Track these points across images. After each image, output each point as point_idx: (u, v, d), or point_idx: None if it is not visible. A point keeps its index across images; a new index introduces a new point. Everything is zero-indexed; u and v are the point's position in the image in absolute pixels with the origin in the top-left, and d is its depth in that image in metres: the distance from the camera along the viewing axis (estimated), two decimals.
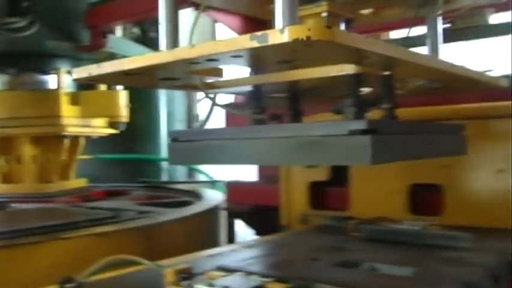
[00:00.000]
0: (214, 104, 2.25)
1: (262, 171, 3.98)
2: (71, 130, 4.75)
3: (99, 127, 5.04)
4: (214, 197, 4.42)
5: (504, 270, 2.02)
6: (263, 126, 1.80)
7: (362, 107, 1.77)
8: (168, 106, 6.39)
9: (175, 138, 1.95)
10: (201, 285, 1.58)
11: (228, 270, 1.75)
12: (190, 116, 7.39)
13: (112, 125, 5.06)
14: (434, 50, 2.27)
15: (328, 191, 3.31)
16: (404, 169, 2.85)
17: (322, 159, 1.60)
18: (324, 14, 1.93)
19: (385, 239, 2.43)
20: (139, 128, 5.98)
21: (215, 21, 5.86)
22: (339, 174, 3.17)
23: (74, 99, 4.78)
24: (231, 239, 4.19)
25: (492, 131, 2.71)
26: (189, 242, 3.29)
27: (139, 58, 1.69)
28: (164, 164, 6.34)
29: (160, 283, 1.78)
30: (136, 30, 6.21)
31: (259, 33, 1.36)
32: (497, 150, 2.67)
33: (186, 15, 1.98)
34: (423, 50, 2.22)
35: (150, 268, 1.94)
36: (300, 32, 1.29)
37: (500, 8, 3.48)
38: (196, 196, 4.61)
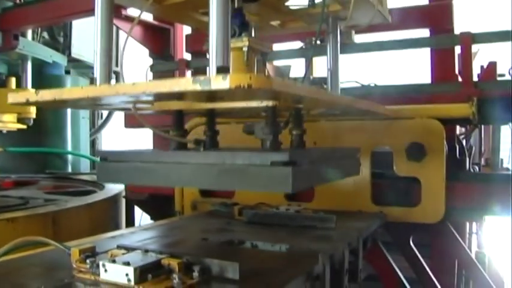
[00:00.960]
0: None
1: None
2: None
3: (9, 122, 4.85)
4: (115, 186, 4.38)
5: (361, 244, 2.18)
6: (190, 152, 1.79)
7: (277, 135, 1.83)
8: None
9: (104, 157, 1.92)
10: (104, 261, 1.59)
11: (128, 249, 1.77)
12: (94, 114, 7.23)
13: (21, 120, 4.90)
14: (334, 58, 2.43)
15: None
16: None
17: (245, 186, 1.61)
18: (245, 49, 2.02)
19: (265, 221, 2.53)
20: (46, 123, 5.80)
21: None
22: None
23: None
24: (130, 224, 4.16)
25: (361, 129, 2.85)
26: (93, 226, 3.26)
27: (79, 90, 1.63)
28: (69, 157, 6.18)
29: (66, 262, 1.78)
30: (45, 35, 6.00)
31: (201, 77, 1.36)
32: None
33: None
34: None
35: (57, 249, 1.92)
36: (241, 79, 1.30)
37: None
38: (99, 186, 4.54)
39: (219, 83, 1.32)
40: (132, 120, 3.68)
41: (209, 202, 3.08)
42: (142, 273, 1.53)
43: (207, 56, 1.57)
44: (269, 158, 1.57)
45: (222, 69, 1.53)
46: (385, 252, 2.83)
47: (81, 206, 3.32)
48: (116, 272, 1.56)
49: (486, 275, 2.86)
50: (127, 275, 1.53)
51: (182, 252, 1.71)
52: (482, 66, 3.35)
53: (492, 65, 3.14)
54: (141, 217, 4.21)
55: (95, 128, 7.27)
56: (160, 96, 1.64)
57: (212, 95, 1.63)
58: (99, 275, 1.60)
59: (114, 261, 1.59)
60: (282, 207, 2.63)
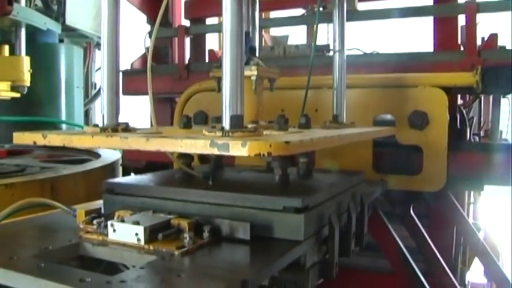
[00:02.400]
0: None
1: None
2: None
3: (2, 90, 4.75)
4: (112, 155, 4.33)
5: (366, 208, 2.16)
6: (198, 191, 1.76)
7: (286, 170, 1.87)
8: (67, 73, 6.14)
9: (111, 189, 1.90)
10: (112, 221, 1.56)
11: (135, 210, 1.74)
12: (88, 83, 7.15)
13: (15, 88, 4.81)
14: (341, 25, 2.47)
15: None
16: None
17: (256, 231, 1.59)
18: (253, 78, 2.02)
19: None
20: (40, 93, 5.70)
21: None
22: None
23: None
24: None
25: None
26: (90, 193, 3.21)
27: (90, 139, 1.63)
28: (63, 126, 6.11)
29: (71, 224, 1.75)
30: (38, 2, 5.87)
31: (219, 141, 1.35)
32: None
33: None
34: None
35: (60, 212, 1.89)
36: (261, 147, 1.31)
37: None
38: (95, 155, 4.50)
39: (238, 150, 1.33)
40: (130, 87, 3.63)
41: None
42: (152, 232, 1.51)
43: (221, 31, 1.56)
44: (281, 203, 1.59)
45: (236, 119, 1.54)
46: (385, 220, 2.83)
47: (78, 172, 3.28)
48: (125, 231, 1.54)
49: (485, 243, 2.87)
50: (137, 234, 1.51)
51: (190, 211, 1.68)
52: (483, 38, 3.31)
53: (493, 36, 3.10)
54: None
55: (89, 98, 7.19)
56: None
57: None
58: (107, 235, 1.58)
59: (123, 221, 1.57)
60: None
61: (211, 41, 4.34)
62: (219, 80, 1.75)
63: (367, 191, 2.28)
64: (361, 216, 2.06)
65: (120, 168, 4.03)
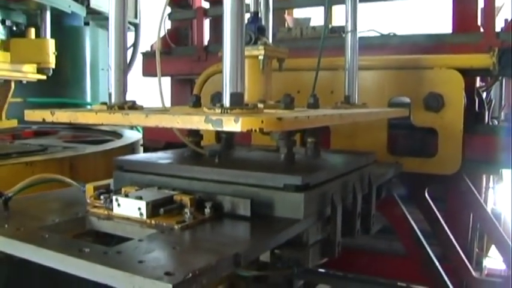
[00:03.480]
0: None
1: None
2: (2, 74, 4.60)
3: (29, 72, 4.87)
4: (133, 136, 4.41)
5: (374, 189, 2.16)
6: (204, 168, 1.79)
7: (292, 148, 1.89)
8: (92, 55, 6.24)
9: (120, 166, 1.96)
10: (117, 196, 1.61)
11: (141, 186, 1.78)
12: None
13: (40, 70, 4.92)
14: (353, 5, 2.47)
15: None
16: None
17: (258, 209, 1.61)
18: (261, 57, 2.02)
19: None
20: (65, 75, 5.82)
21: None
22: None
23: (5, 46, 4.62)
24: None
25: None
26: (110, 173, 3.28)
27: (93, 115, 1.69)
28: (88, 107, 6.22)
29: (81, 199, 1.80)
30: None
31: (213, 117, 1.38)
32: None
33: None
34: None
35: (73, 188, 1.95)
36: (253, 123, 1.34)
37: None
38: (117, 135, 4.58)
39: (231, 125, 1.36)
40: (150, 69, 3.67)
41: None
42: (154, 207, 1.55)
43: None
44: (282, 181, 1.61)
45: (235, 97, 1.55)
46: (399, 203, 2.82)
47: (98, 152, 3.35)
48: (128, 206, 1.58)
49: (502, 230, 2.83)
50: (139, 209, 1.55)
51: (194, 188, 1.72)
52: (506, 20, 3.24)
53: None
54: None
55: None
56: None
57: None
58: (112, 209, 1.63)
59: (127, 196, 1.62)
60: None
61: None
62: None
63: (377, 173, 2.27)
64: (368, 197, 2.05)
65: (141, 149, 4.09)
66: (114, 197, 1.62)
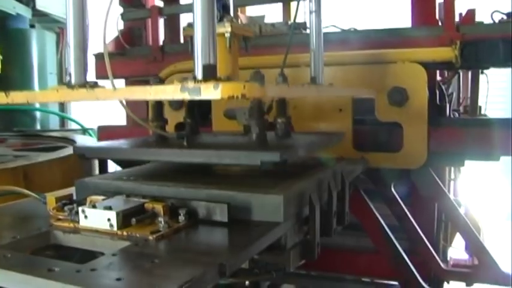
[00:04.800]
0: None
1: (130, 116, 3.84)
2: None
3: None
4: (87, 141, 4.24)
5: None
6: (172, 150, 1.69)
7: (264, 127, 1.78)
8: (39, 59, 6.00)
9: (81, 154, 1.84)
10: (83, 207, 1.49)
11: (107, 195, 1.66)
12: (62, 69, 6.98)
13: None
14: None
15: None
16: None
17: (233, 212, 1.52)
18: (227, 35, 1.92)
19: None
20: (12, 79, 5.57)
21: None
22: (203, 115, 3.08)
23: None
24: None
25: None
26: (66, 181, 3.11)
27: (53, 94, 1.56)
28: (37, 114, 5.98)
29: (42, 212, 1.68)
30: None
31: (190, 85, 1.27)
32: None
33: None
34: None
35: (31, 200, 1.82)
36: (235, 89, 1.23)
37: None
38: (70, 141, 4.40)
39: (210, 92, 1.25)
40: (103, 71, 3.51)
41: None
42: (125, 217, 1.44)
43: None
44: (258, 158, 1.52)
45: (209, 68, 1.43)
46: (366, 198, 2.80)
47: (53, 159, 3.19)
48: (96, 217, 1.47)
49: (467, 219, 2.85)
50: (109, 220, 1.44)
51: (165, 194, 1.61)
52: (460, 14, 3.27)
53: (471, 12, 3.06)
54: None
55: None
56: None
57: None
58: (78, 222, 1.50)
59: (94, 207, 1.50)
60: None
61: (186, 22, 4.24)
62: (191, 38, 1.60)
63: (347, 169, 2.23)
64: (342, 194, 2.01)
65: None
66: (80, 208, 1.50)
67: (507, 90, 9.07)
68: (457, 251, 3.48)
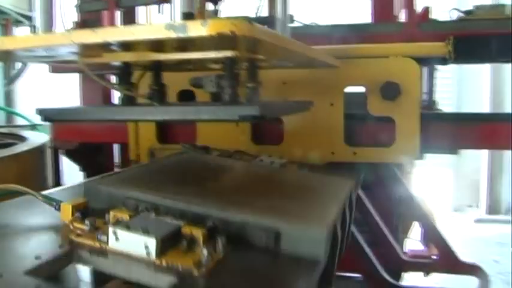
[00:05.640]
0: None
1: None
2: None
3: None
4: (38, 137, 4.08)
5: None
6: (146, 107, 1.58)
7: (237, 88, 1.66)
8: None
9: (48, 117, 1.68)
10: (116, 228, 1.28)
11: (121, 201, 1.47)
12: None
13: None
14: None
15: (175, 126, 3.11)
16: None
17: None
18: None
19: None
20: None
21: None
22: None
23: None
24: (58, 176, 3.90)
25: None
26: (21, 179, 2.98)
27: (24, 38, 1.41)
28: None
29: (43, 213, 1.52)
30: None
31: (176, 23, 1.18)
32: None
33: None
34: None
35: (26, 198, 1.66)
36: (224, 25, 1.14)
37: None
38: (19, 138, 4.22)
39: (197, 29, 1.16)
40: (59, 65, 3.39)
41: (169, 149, 2.83)
42: (163, 243, 1.25)
43: None
44: (237, 112, 1.43)
45: (189, 16, 1.42)
46: None
47: (6, 156, 3.04)
48: (131, 241, 1.25)
49: (426, 212, 2.93)
50: (147, 247, 1.23)
51: (203, 212, 1.41)
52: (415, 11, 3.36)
53: (426, 10, 3.15)
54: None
55: (10, 78, 6.75)
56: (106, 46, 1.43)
57: (167, 44, 1.45)
58: (106, 242, 1.28)
59: (128, 228, 1.28)
60: (264, 158, 2.30)
61: (143, 15, 4.15)
62: None
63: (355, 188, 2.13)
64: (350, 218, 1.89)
65: (49, 151, 3.80)
66: (111, 229, 1.28)
67: (452, 87, 9.37)
68: (413, 241, 3.57)
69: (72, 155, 3.63)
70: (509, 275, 6.17)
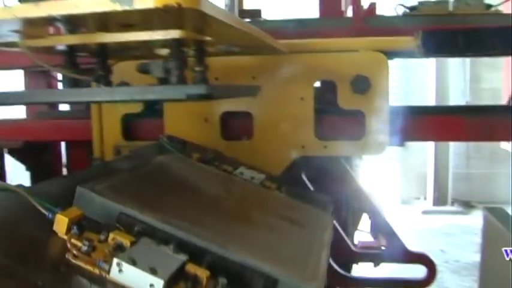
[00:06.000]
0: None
1: (31, 108, 3.60)
2: None
3: None
4: None
5: None
6: (92, 88, 1.55)
7: (184, 70, 1.60)
8: None
9: None
10: (121, 260, 1.20)
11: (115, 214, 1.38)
12: None
13: None
14: None
15: (142, 122, 2.98)
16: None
17: None
18: None
19: None
20: None
21: None
22: (152, 106, 2.93)
23: None
24: (2, 176, 3.76)
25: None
26: None
27: None
28: None
29: (25, 215, 1.34)
30: None
31: None
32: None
33: None
34: None
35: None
36: None
37: None
38: None
39: (142, 2, 1.15)
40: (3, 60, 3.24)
41: (135, 146, 2.69)
42: (169, 283, 1.20)
43: None
44: (184, 91, 1.43)
45: None
46: None
47: None
48: (135, 276, 1.18)
49: (375, 205, 2.98)
50: (152, 285, 1.17)
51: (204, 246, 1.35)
52: (362, 7, 3.42)
53: (373, 6, 3.20)
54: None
55: None
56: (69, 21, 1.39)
57: (112, 21, 1.42)
58: (108, 271, 1.20)
59: (134, 263, 1.20)
60: (244, 171, 2.22)
61: None
62: None
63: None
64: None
65: None
66: (115, 260, 1.20)
67: (401, 82, 9.64)
68: (362, 234, 3.63)
69: (17, 154, 3.51)
70: (456, 264, 6.36)
